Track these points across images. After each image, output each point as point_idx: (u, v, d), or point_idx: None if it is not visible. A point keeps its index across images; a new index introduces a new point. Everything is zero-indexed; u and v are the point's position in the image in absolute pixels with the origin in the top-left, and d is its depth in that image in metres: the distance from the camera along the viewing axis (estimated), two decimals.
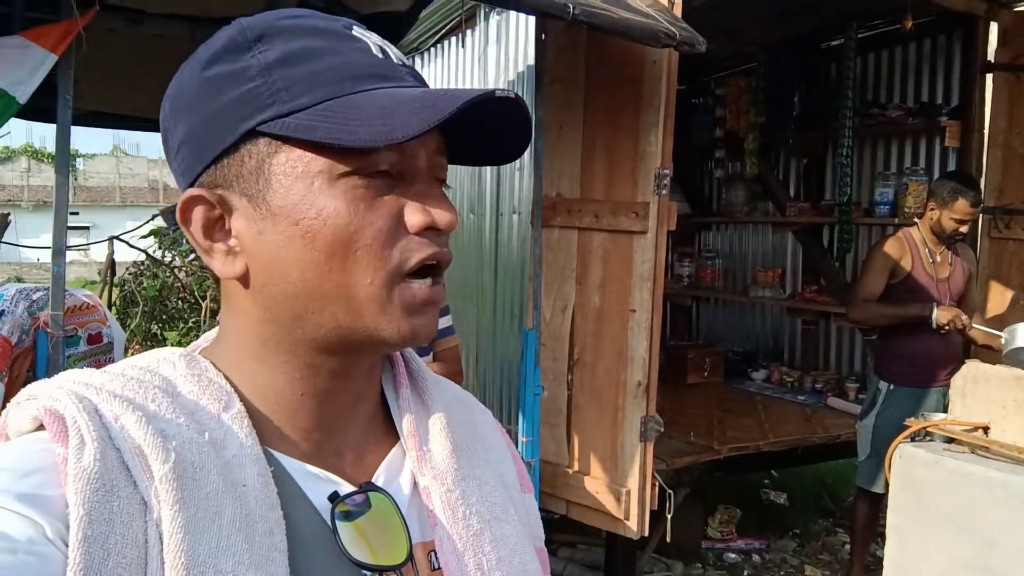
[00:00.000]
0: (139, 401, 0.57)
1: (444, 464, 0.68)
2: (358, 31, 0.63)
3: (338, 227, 0.59)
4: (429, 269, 0.62)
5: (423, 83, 0.65)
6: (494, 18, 4.29)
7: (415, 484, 0.68)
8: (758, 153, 5.79)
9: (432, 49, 5.15)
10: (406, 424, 0.70)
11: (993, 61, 4.44)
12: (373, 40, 0.64)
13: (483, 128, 0.65)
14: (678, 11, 2.88)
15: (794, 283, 6.01)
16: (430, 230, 0.61)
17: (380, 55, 0.62)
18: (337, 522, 0.60)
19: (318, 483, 0.62)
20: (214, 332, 0.70)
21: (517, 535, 0.70)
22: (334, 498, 0.61)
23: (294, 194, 0.59)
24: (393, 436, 0.71)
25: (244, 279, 0.63)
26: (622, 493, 3.11)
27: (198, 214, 0.63)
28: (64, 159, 2.38)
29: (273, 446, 0.62)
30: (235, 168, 0.61)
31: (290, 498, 0.60)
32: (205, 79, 0.61)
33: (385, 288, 0.60)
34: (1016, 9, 4.39)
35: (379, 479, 0.66)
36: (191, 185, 0.63)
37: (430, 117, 0.56)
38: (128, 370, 0.61)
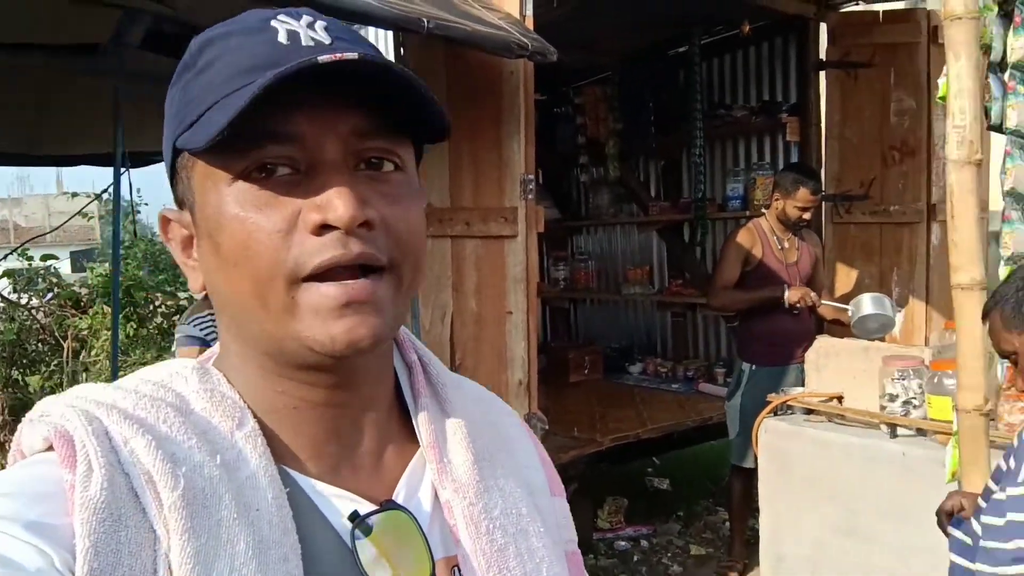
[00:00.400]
0: (150, 422, 0.55)
1: (466, 476, 0.66)
2: (281, 19, 0.59)
3: (233, 234, 0.56)
4: (351, 269, 0.57)
5: (323, 53, 0.58)
6: None
7: (436, 496, 0.65)
8: (619, 157, 6.04)
9: None
10: (425, 434, 0.67)
11: (824, 59, 4.80)
12: (292, 25, 0.58)
13: (403, 100, 0.59)
14: (530, 24, 3.01)
15: (661, 278, 6.30)
16: (331, 228, 0.55)
17: (286, 40, 0.57)
18: (356, 542, 0.58)
19: (336, 502, 0.60)
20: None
21: (544, 547, 0.67)
22: (354, 518, 0.59)
23: (206, 206, 0.58)
24: (413, 444, 0.67)
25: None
26: None
27: (173, 232, 0.64)
28: None
29: (288, 464, 0.60)
30: (181, 187, 0.62)
31: (307, 520, 0.58)
32: (167, 97, 0.62)
33: (287, 294, 0.56)
34: (843, 10, 4.78)
35: (399, 494, 0.64)
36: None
37: (231, 110, 0.53)
38: (141, 386, 0.59)
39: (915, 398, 2.94)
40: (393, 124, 0.60)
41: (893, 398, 2.97)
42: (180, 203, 0.63)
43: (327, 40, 0.58)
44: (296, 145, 0.56)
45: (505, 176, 3.12)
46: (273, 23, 0.58)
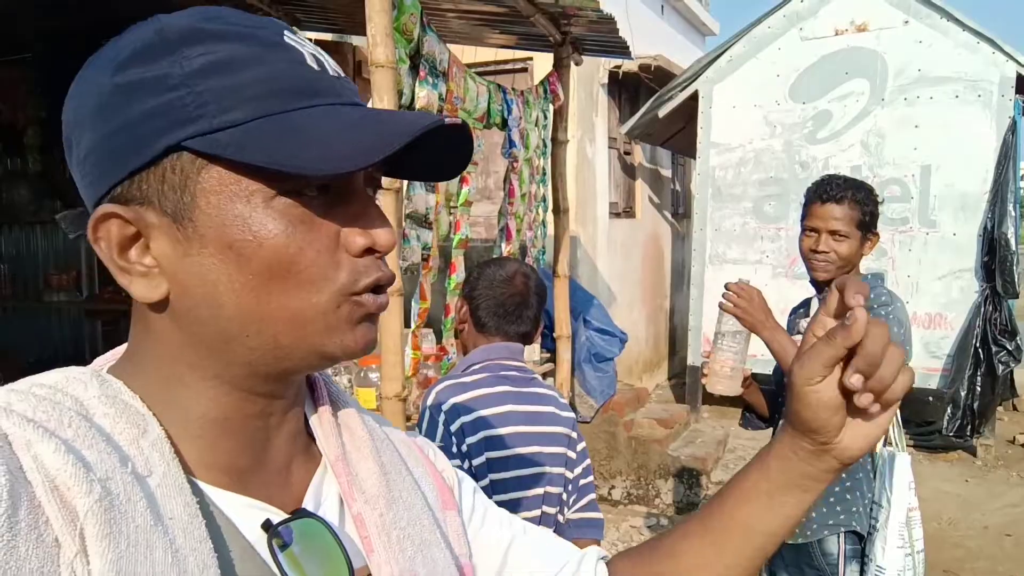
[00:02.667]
0: (53, 426, 0.51)
1: (375, 488, 0.67)
2: (289, 38, 0.58)
3: (277, 249, 0.55)
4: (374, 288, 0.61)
5: (357, 97, 0.61)
6: None
7: (342, 508, 0.66)
8: (41, 149, 5.46)
9: None
10: (331, 448, 0.67)
11: None
12: (307, 49, 0.59)
13: (424, 147, 0.61)
14: None
15: (91, 284, 5.86)
16: (370, 252, 0.60)
17: (316, 67, 0.58)
18: (275, 549, 0.58)
19: (247, 511, 0.59)
20: (120, 349, 0.64)
21: (444, 559, 0.70)
22: (267, 526, 0.58)
23: (226, 214, 0.55)
24: (315, 457, 0.68)
25: (163, 302, 0.58)
26: None
27: (111, 231, 0.57)
28: None
29: (195, 474, 0.58)
30: (154, 184, 0.56)
31: (220, 529, 0.57)
32: (116, 85, 0.55)
33: (332, 306, 0.58)
34: None
35: (307, 504, 0.64)
36: (101, 199, 0.57)
37: (377, 148, 0.53)
38: (36, 389, 0.54)
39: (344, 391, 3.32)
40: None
41: None
42: (133, 200, 0.56)
43: (341, 72, 0.61)
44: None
45: None
46: (288, 40, 0.58)
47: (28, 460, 0.49)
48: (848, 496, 2.23)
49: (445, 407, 1.86)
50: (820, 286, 2.34)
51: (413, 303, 3.05)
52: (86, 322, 5.87)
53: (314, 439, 0.69)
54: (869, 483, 2.29)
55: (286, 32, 0.59)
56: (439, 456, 0.83)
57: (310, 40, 0.62)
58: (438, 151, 0.63)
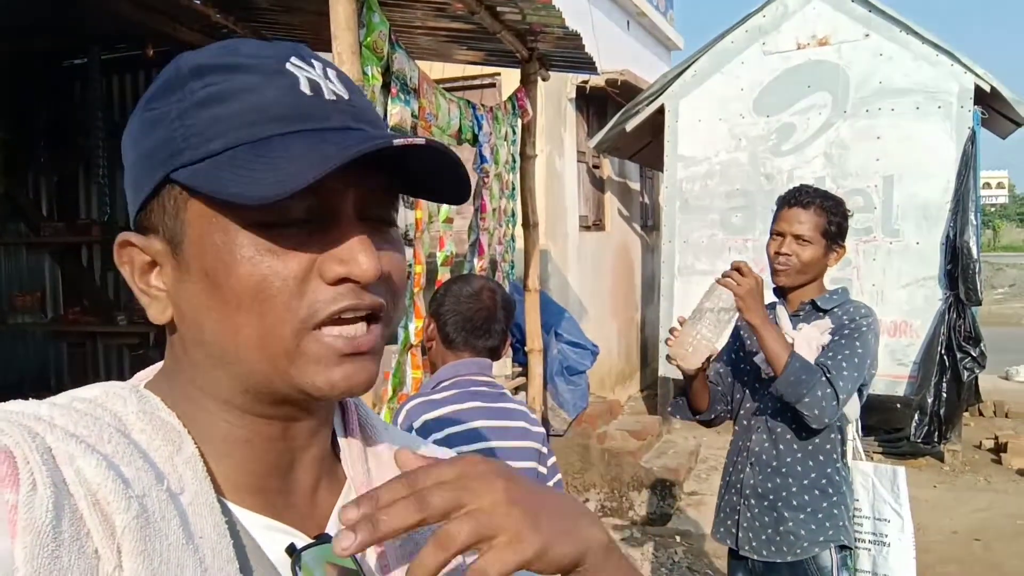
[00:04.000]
0: (93, 441, 0.53)
1: None
2: (294, 63, 0.58)
3: (243, 278, 0.55)
4: (357, 317, 0.58)
5: (359, 120, 0.59)
6: None
7: None
8: (4, 170, 5.39)
9: None
10: (357, 475, 0.68)
11: None
12: (311, 73, 0.58)
13: (430, 167, 0.60)
14: None
15: (56, 305, 5.78)
16: (348, 281, 0.57)
17: (309, 91, 0.57)
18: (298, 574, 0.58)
19: (272, 535, 0.60)
20: (158, 365, 0.65)
21: None
22: (291, 551, 0.59)
23: (205, 243, 0.57)
24: (341, 481, 0.68)
25: (172, 325, 0.61)
26: None
27: (134, 257, 0.61)
28: None
29: (225, 494, 0.59)
30: (159, 214, 0.59)
31: (246, 550, 0.58)
32: (141, 120, 0.59)
33: (294, 340, 0.56)
34: None
35: (331, 529, 0.64)
36: (132, 226, 0.61)
37: (305, 173, 0.52)
38: (77, 403, 0.56)
39: None
40: (390, 184, 0.61)
41: None
42: (148, 229, 0.60)
43: (345, 95, 0.59)
44: (318, 197, 0.56)
45: None
46: (289, 67, 0.57)
47: (71, 473, 0.50)
48: (835, 511, 2.25)
49: (416, 425, 1.85)
50: (782, 291, 2.36)
51: (407, 322, 3.03)
52: (51, 343, 5.77)
53: (340, 462, 0.70)
54: (852, 497, 2.32)
55: (293, 58, 0.58)
56: None
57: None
58: (435, 172, 0.62)
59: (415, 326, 3.02)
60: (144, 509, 0.51)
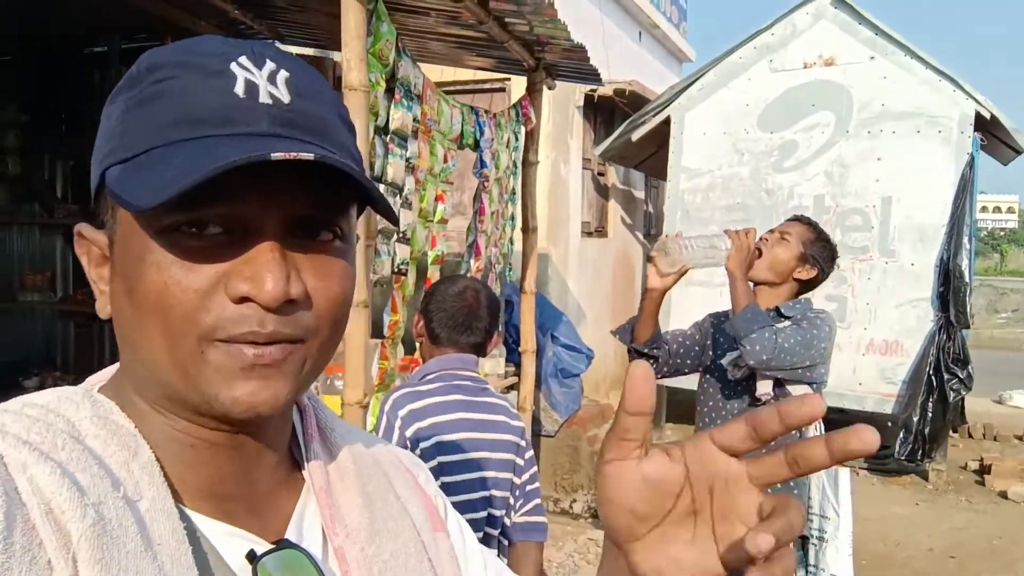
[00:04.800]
0: (47, 448, 0.52)
1: (356, 521, 0.66)
2: (241, 63, 0.56)
3: (148, 285, 0.54)
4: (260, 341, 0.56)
5: (293, 126, 0.56)
6: None
7: (325, 539, 0.65)
8: (21, 152, 5.53)
9: None
10: (316, 479, 0.66)
11: None
12: (252, 75, 0.56)
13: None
14: None
15: (65, 286, 5.91)
16: (251, 301, 0.54)
17: (242, 94, 0.55)
18: None
19: (232, 540, 0.59)
20: (113, 368, 0.64)
21: None
22: (251, 557, 0.58)
23: (126, 244, 0.56)
24: (299, 486, 0.67)
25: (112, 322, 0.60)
26: None
27: (90, 249, 0.61)
28: None
29: (182, 500, 0.58)
30: (103, 209, 0.59)
31: (206, 557, 0.56)
32: (105, 111, 0.59)
33: (196, 351, 0.55)
34: None
35: (291, 534, 0.63)
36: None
37: (182, 180, 0.50)
38: (29, 409, 0.55)
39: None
40: (337, 195, 0.59)
41: None
42: (100, 223, 0.60)
43: (286, 98, 0.56)
44: (233, 207, 0.54)
45: None
46: (233, 67, 0.55)
47: (23, 482, 0.49)
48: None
49: (401, 413, 1.98)
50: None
51: (385, 315, 3.17)
52: (59, 323, 5.91)
53: (300, 466, 0.68)
54: (808, 492, 2.45)
55: (243, 57, 0.56)
56: (430, 481, 0.80)
57: (291, 54, 0.61)
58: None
59: (389, 319, 3.15)
60: (101, 517, 0.50)
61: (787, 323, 2.40)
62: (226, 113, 0.54)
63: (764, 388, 2.37)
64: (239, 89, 0.55)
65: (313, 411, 0.71)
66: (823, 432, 2.09)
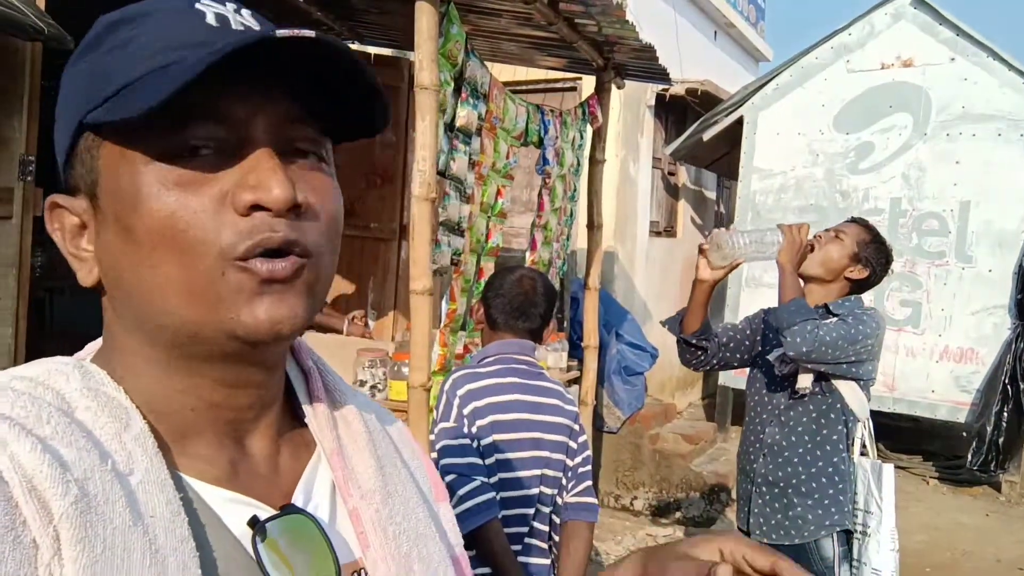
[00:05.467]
0: (31, 423, 0.50)
1: (370, 482, 0.66)
2: (204, 2, 0.57)
3: (152, 215, 0.53)
4: (277, 251, 0.55)
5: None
6: None
7: (333, 501, 0.65)
8: None
9: None
10: (327, 442, 0.66)
11: None
12: (219, 9, 0.57)
13: (340, 91, 0.58)
14: (42, 3, 2.97)
15: None
16: (261, 209, 0.54)
17: (215, 23, 0.56)
18: (259, 547, 0.56)
19: (235, 507, 0.58)
20: (100, 340, 0.63)
21: (439, 552, 0.69)
22: (254, 523, 0.57)
23: (117, 187, 0.55)
24: (307, 449, 0.66)
25: (100, 287, 0.59)
26: None
27: (62, 221, 0.59)
28: None
29: (181, 468, 0.57)
30: (79, 169, 0.58)
31: (205, 526, 0.55)
32: (62, 81, 0.58)
33: (217, 273, 0.54)
34: None
35: (298, 498, 0.62)
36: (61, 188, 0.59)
37: (169, 83, 0.49)
38: (16, 383, 0.54)
39: (379, 383, 3.59)
40: (320, 116, 0.59)
41: (363, 383, 3.58)
42: (74, 189, 0.59)
43: (256, 26, 0.57)
44: (224, 125, 0.55)
45: (2, 155, 3.00)
46: (198, 6, 0.56)
47: (4, 460, 0.47)
48: (840, 498, 2.43)
49: (460, 392, 2.10)
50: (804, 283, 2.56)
51: (443, 303, 3.31)
52: None
53: (305, 428, 0.67)
54: (855, 487, 2.48)
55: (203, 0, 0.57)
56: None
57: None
58: (358, 95, 0.59)
59: (448, 307, 3.28)
60: (85, 493, 0.49)
61: (834, 320, 2.43)
62: (206, 37, 0.54)
63: (804, 382, 2.41)
64: (211, 20, 0.56)
65: (318, 373, 0.70)
66: (872, 433, 2.13)
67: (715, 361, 2.70)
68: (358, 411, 0.70)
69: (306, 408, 0.68)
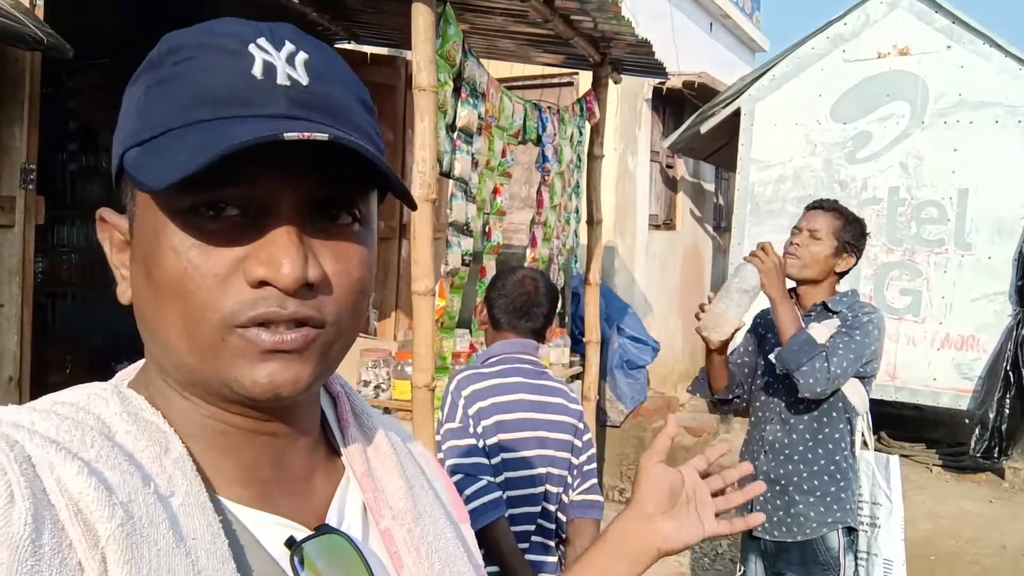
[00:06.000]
0: (76, 447, 0.51)
1: (401, 503, 0.67)
2: (259, 44, 0.55)
3: (166, 270, 0.54)
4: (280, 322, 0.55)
5: (312, 108, 0.55)
6: None
7: (365, 522, 0.66)
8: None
9: None
10: (357, 464, 0.67)
11: None
12: (270, 56, 0.55)
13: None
14: (40, 13, 2.97)
15: None
16: (271, 285, 0.54)
17: (260, 75, 0.54)
18: (297, 568, 0.57)
19: (271, 528, 0.58)
20: (141, 363, 0.64)
21: (468, 572, 0.70)
22: (291, 544, 0.57)
23: (145, 228, 0.56)
24: (338, 471, 0.67)
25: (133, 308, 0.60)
26: None
27: (112, 234, 0.61)
28: None
29: (218, 491, 0.58)
30: (124, 192, 0.59)
31: (244, 548, 0.56)
32: (127, 92, 0.58)
33: (217, 335, 0.54)
34: (335, 47, 5.37)
35: (331, 518, 0.63)
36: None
37: (192, 161, 0.50)
38: (59, 407, 0.55)
39: (383, 383, 3.60)
40: (355, 177, 0.58)
41: (367, 383, 3.60)
42: (122, 207, 0.60)
43: (304, 80, 0.56)
44: (249, 189, 0.54)
45: (3, 163, 3.01)
46: (251, 48, 0.55)
47: (51, 483, 0.48)
48: (843, 495, 2.44)
49: (465, 392, 2.11)
50: (795, 290, 2.56)
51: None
52: None
53: (335, 451, 0.68)
54: (858, 483, 2.50)
55: (261, 39, 0.56)
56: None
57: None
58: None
59: (438, 305, 3.28)
60: (130, 515, 0.49)
61: (835, 320, 2.42)
62: (243, 94, 0.54)
63: None
64: (257, 70, 0.54)
65: (346, 397, 0.72)
66: (871, 425, 2.15)
67: (747, 397, 2.72)
68: (385, 433, 0.72)
69: (335, 432, 0.69)
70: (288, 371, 0.55)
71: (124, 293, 0.61)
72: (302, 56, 0.56)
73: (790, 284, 2.51)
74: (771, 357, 2.56)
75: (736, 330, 2.46)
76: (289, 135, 0.50)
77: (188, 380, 0.58)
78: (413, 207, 0.64)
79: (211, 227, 0.54)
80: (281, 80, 0.55)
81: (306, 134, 0.51)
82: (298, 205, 0.56)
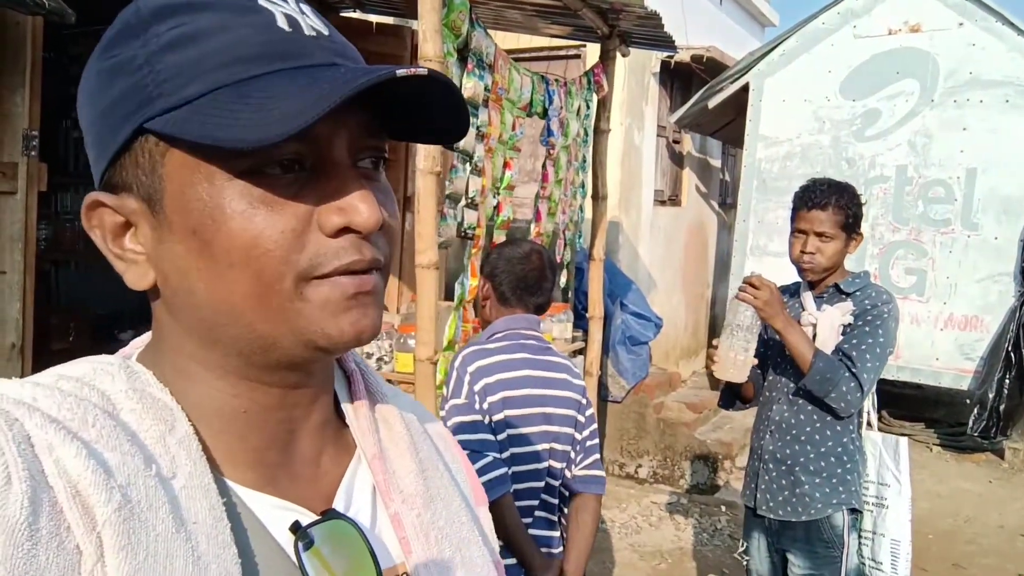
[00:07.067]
0: (77, 426, 0.50)
1: (412, 487, 0.65)
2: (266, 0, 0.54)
3: (236, 232, 0.52)
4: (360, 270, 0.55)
5: (343, 57, 0.56)
6: None
7: (374, 506, 0.64)
8: None
9: None
10: (368, 446, 0.65)
11: None
12: (286, 8, 0.55)
13: (418, 102, 0.57)
14: None
15: None
16: (349, 232, 0.54)
17: (287, 27, 0.53)
18: (301, 553, 0.55)
19: (277, 512, 0.57)
20: (148, 336, 0.62)
21: (481, 557, 0.68)
22: (296, 528, 0.56)
23: (189, 197, 0.53)
24: (348, 450, 0.66)
25: (155, 291, 0.57)
26: None
27: (103, 219, 0.57)
28: None
29: (224, 473, 0.57)
30: (131, 169, 0.55)
31: (247, 532, 0.55)
32: (99, 70, 0.55)
33: (296, 290, 0.54)
34: (340, 15, 5.32)
35: (339, 502, 0.62)
36: (97, 185, 0.57)
37: (310, 110, 0.48)
38: (63, 383, 0.53)
39: (386, 355, 3.60)
40: (390, 123, 0.58)
41: (369, 356, 3.59)
42: (118, 187, 0.56)
43: (324, 29, 0.56)
44: (308, 143, 0.53)
45: (5, 129, 2.98)
46: (262, 2, 0.54)
47: (50, 464, 0.47)
48: (848, 477, 2.44)
49: (471, 369, 2.10)
50: (810, 283, 2.54)
51: (463, 279, 3.30)
52: None
53: (346, 428, 0.66)
54: (864, 464, 2.50)
55: None
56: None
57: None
58: (435, 109, 0.58)
59: (470, 284, 3.27)
60: (128, 499, 0.48)
61: (848, 303, 2.40)
62: (281, 48, 0.53)
63: None
64: (283, 24, 0.53)
65: (361, 376, 0.70)
66: (875, 404, 2.15)
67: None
68: (399, 413, 0.70)
69: (346, 409, 0.67)
70: (367, 316, 0.56)
71: (142, 278, 0.57)
72: (306, 7, 0.57)
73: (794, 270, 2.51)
74: (801, 385, 2.47)
75: (754, 365, 2.45)
76: (400, 71, 0.50)
77: (245, 350, 0.56)
78: (456, 137, 0.63)
79: (275, 184, 0.53)
80: (307, 31, 0.54)
81: (412, 70, 0.51)
82: (352, 152, 0.56)
